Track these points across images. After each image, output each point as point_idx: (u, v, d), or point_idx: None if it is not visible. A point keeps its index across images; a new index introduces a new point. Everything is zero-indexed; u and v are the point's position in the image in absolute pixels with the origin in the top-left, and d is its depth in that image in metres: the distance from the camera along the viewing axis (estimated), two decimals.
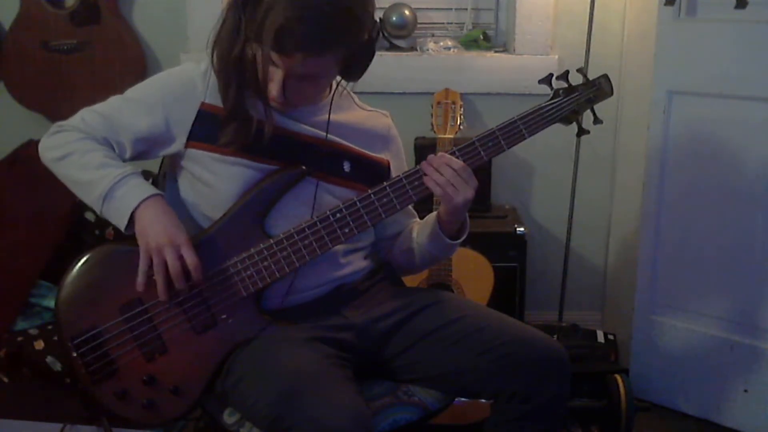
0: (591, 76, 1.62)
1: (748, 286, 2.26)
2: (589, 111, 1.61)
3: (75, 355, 1.49)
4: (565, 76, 1.59)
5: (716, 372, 2.35)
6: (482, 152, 1.53)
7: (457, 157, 1.52)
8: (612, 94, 1.62)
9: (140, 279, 1.46)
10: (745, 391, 2.31)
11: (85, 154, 1.50)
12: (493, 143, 1.53)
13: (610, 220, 2.76)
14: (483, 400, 1.98)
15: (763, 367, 2.26)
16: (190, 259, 1.44)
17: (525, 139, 1.54)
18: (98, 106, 1.57)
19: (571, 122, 1.60)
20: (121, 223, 1.47)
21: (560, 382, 1.51)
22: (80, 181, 1.50)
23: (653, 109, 2.35)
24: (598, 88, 1.60)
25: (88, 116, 1.55)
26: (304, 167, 1.53)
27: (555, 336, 2.42)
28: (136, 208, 1.45)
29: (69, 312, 1.51)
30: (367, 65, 1.50)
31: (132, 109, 1.54)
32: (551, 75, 1.58)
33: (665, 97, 2.31)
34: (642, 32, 2.47)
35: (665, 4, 2.16)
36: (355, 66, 1.49)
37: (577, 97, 1.58)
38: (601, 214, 2.76)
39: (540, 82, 1.59)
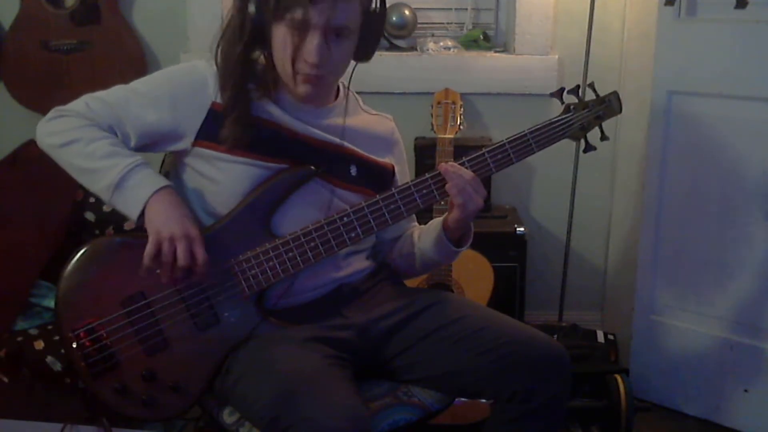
0: (590, 78, 1.62)
1: (748, 286, 2.26)
2: (594, 127, 1.61)
3: (74, 346, 1.48)
4: (576, 90, 1.59)
5: (716, 372, 2.35)
6: (491, 164, 1.54)
7: (467, 168, 1.52)
8: (620, 111, 1.61)
9: (145, 263, 1.43)
10: (745, 391, 2.31)
11: (91, 142, 1.48)
12: (502, 155, 1.54)
13: (610, 220, 2.76)
14: (483, 400, 1.98)
15: (763, 367, 2.26)
16: (200, 255, 1.44)
17: (534, 153, 1.55)
18: (103, 94, 1.54)
19: (579, 138, 1.60)
20: (133, 213, 1.45)
21: (560, 382, 1.51)
22: (86, 169, 1.48)
23: (653, 109, 2.35)
24: (607, 105, 1.60)
25: (92, 103, 1.52)
26: (312, 167, 1.53)
27: (555, 336, 2.42)
28: (149, 199, 1.44)
29: (69, 304, 1.50)
30: (378, 39, 1.53)
31: (140, 102, 1.52)
32: (563, 89, 1.58)
33: (665, 97, 2.31)
34: (642, 32, 2.47)
35: (665, 4, 2.17)
36: (368, 39, 1.51)
37: (587, 114, 1.58)
38: (601, 214, 2.76)
39: (551, 95, 1.60)
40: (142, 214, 1.45)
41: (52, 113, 1.54)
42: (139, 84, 1.55)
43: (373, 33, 1.52)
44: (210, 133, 1.51)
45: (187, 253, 1.43)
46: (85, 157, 1.47)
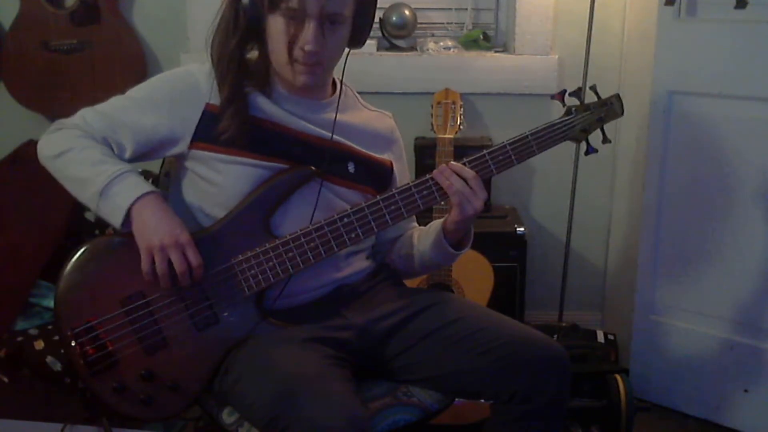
0: (590, 77, 1.62)
1: (748, 286, 2.26)
2: (596, 129, 1.61)
3: (73, 345, 1.48)
4: (577, 93, 1.59)
5: (716, 372, 2.35)
6: (492, 166, 1.54)
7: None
8: (622, 114, 1.62)
9: (146, 279, 1.45)
10: (746, 391, 2.31)
11: (83, 151, 1.49)
12: (503, 157, 1.54)
13: (610, 220, 2.76)
14: (483, 401, 1.98)
15: (763, 367, 2.26)
16: (194, 258, 1.45)
17: (535, 155, 1.55)
18: (100, 106, 1.56)
19: (580, 140, 1.60)
20: (117, 221, 1.46)
21: (560, 383, 1.51)
22: (76, 178, 1.50)
23: (653, 109, 2.35)
24: (609, 108, 1.60)
25: (88, 115, 1.54)
26: (312, 167, 1.53)
27: (555, 336, 2.42)
28: (132, 206, 1.45)
29: (68, 303, 1.50)
30: (371, 25, 1.53)
31: (135, 108, 1.53)
32: (564, 91, 1.58)
33: (665, 97, 2.31)
34: (642, 32, 2.47)
35: (665, 4, 2.17)
36: (361, 26, 1.51)
37: (588, 116, 1.59)
38: (601, 214, 2.76)
39: (552, 97, 1.60)
40: (126, 222, 1.46)
41: (52, 127, 1.57)
42: (133, 91, 1.57)
43: (366, 19, 1.52)
44: (206, 134, 1.51)
45: (182, 259, 1.44)
46: (76, 165, 1.49)
